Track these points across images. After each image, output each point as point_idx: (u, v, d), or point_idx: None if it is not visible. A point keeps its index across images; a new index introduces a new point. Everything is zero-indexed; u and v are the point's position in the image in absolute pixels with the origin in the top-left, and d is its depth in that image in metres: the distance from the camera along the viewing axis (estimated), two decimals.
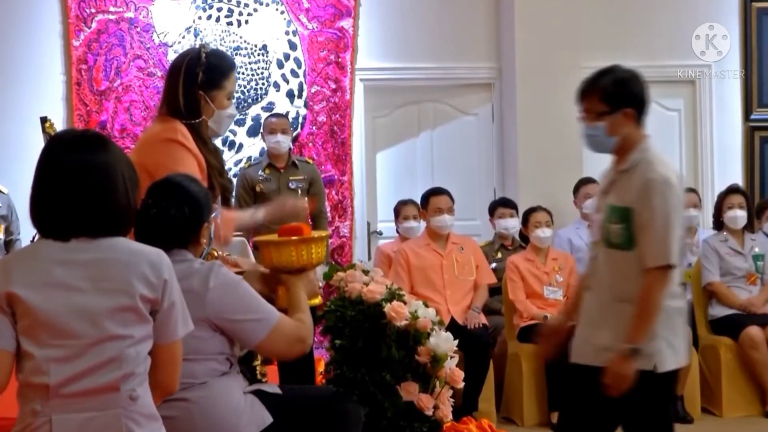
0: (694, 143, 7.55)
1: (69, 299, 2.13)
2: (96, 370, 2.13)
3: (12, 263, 2.21)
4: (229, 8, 6.76)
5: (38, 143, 4.97)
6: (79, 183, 2.18)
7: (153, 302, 2.19)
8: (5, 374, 2.17)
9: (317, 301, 3.09)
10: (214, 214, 2.85)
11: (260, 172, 6.09)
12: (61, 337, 2.12)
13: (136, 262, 2.18)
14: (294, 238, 2.95)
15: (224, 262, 2.94)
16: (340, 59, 6.89)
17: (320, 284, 5.46)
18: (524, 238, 6.20)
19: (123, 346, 2.14)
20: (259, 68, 6.79)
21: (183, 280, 2.35)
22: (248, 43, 6.78)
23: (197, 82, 3.18)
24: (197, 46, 3.30)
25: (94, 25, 6.59)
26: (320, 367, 5.15)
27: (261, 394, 2.80)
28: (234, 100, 3.47)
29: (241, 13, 6.78)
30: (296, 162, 6.16)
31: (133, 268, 2.17)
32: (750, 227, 6.07)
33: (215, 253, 3.04)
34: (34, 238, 3.57)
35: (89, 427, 2.12)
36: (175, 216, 2.65)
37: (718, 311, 5.94)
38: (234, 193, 6.06)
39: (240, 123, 6.76)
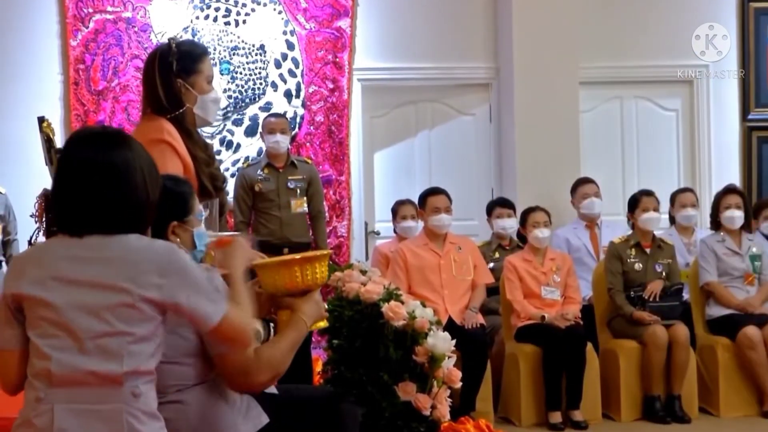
0: (692, 143, 7.55)
1: (73, 294, 2.16)
2: (98, 363, 2.14)
3: (25, 261, 2.24)
4: (226, 8, 6.76)
5: (36, 143, 4.95)
6: (96, 180, 2.19)
7: (159, 303, 2.19)
8: (11, 374, 2.22)
9: (323, 324, 2.92)
10: (201, 215, 2.82)
11: (259, 172, 6.09)
12: (65, 330, 2.15)
13: (144, 261, 2.18)
14: (297, 257, 2.73)
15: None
16: (337, 59, 6.89)
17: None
18: (522, 238, 6.21)
19: (125, 342, 2.15)
20: (256, 68, 6.79)
21: None
22: (246, 43, 6.78)
23: (173, 71, 3.17)
24: (166, 40, 3.31)
25: (91, 24, 6.59)
26: (318, 367, 5.16)
27: (257, 394, 2.79)
28: (220, 89, 3.43)
29: (238, 13, 6.78)
30: (295, 162, 6.16)
31: (141, 267, 2.18)
32: (747, 227, 6.07)
33: (213, 254, 3.02)
34: (32, 238, 3.56)
35: (90, 420, 2.14)
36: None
37: (716, 311, 5.94)
38: (233, 194, 6.07)
39: (238, 123, 6.77)
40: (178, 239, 2.69)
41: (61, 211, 2.23)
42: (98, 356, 2.14)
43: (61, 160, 2.26)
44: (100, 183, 2.19)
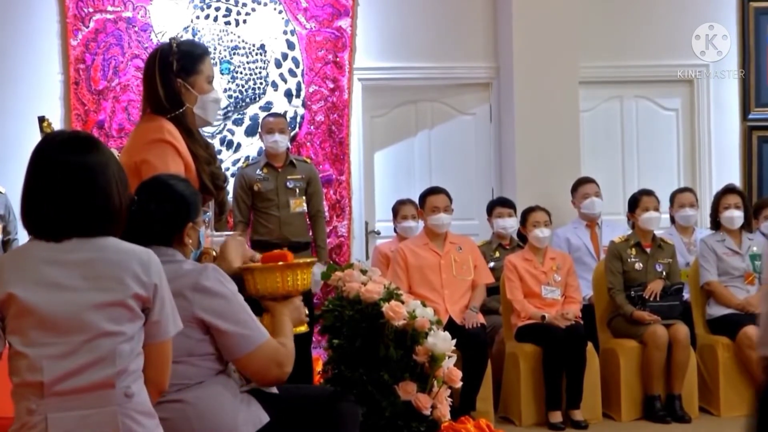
0: (692, 143, 7.55)
1: (62, 298, 2.15)
2: (90, 367, 2.13)
3: (5, 265, 2.21)
4: (227, 8, 6.76)
5: (36, 143, 4.97)
6: (73, 183, 2.20)
7: (144, 300, 2.21)
8: None
9: (304, 328, 2.99)
10: (205, 217, 2.82)
11: (258, 172, 6.09)
12: (56, 335, 2.13)
13: (128, 261, 2.20)
14: (279, 263, 2.86)
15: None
16: (338, 59, 6.89)
17: (318, 284, 5.49)
18: (522, 237, 6.21)
19: (116, 343, 2.16)
20: (257, 68, 6.79)
21: (171, 282, 2.34)
22: (246, 43, 6.78)
23: (173, 70, 3.18)
24: (167, 40, 3.31)
25: (92, 24, 6.59)
26: (318, 367, 5.15)
27: (258, 394, 2.79)
28: (221, 89, 3.42)
29: (239, 13, 6.78)
30: (294, 161, 6.16)
31: (125, 267, 2.19)
32: (747, 227, 6.07)
33: (213, 253, 3.02)
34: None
35: (85, 425, 2.13)
36: (154, 212, 2.64)
37: (716, 311, 5.94)
38: (232, 193, 6.07)
39: (238, 122, 6.76)
40: (190, 240, 2.71)
41: (37, 216, 2.22)
42: (91, 360, 2.13)
43: (34, 164, 2.25)
44: (77, 186, 2.19)
